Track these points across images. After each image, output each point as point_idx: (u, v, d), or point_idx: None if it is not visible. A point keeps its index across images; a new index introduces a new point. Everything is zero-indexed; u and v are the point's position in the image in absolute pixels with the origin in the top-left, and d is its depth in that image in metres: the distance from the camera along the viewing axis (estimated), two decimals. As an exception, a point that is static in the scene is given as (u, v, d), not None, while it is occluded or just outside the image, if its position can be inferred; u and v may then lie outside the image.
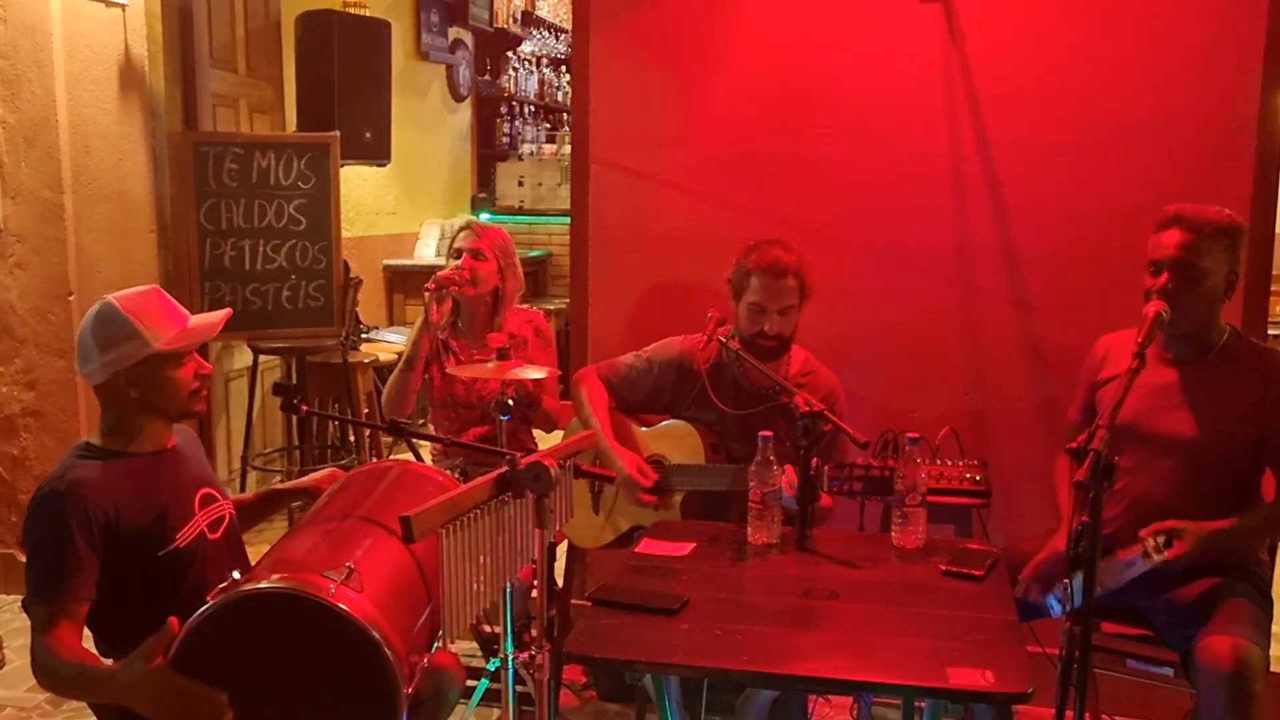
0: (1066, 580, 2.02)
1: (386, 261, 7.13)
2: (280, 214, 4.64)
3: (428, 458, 3.58)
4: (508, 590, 2.39)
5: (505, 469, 2.01)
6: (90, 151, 4.31)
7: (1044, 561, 2.56)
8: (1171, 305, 2.50)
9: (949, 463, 2.71)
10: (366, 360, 5.24)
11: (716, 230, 3.50)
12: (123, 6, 4.37)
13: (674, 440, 3.08)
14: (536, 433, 3.54)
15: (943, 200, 3.38)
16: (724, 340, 2.95)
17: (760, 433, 2.65)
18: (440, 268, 3.46)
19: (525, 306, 3.57)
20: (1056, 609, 2.48)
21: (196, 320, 2.37)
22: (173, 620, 2.04)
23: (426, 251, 7.32)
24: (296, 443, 5.17)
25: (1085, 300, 3.28)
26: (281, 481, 4.76)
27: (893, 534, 2.64)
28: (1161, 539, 2.40)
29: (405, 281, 7.09)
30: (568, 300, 3.90)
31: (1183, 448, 2.57)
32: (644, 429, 3.16)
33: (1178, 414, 2.59)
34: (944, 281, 3.42)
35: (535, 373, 2.92)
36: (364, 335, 5.80)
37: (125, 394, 2.32)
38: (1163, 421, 2.60)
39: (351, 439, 5.29)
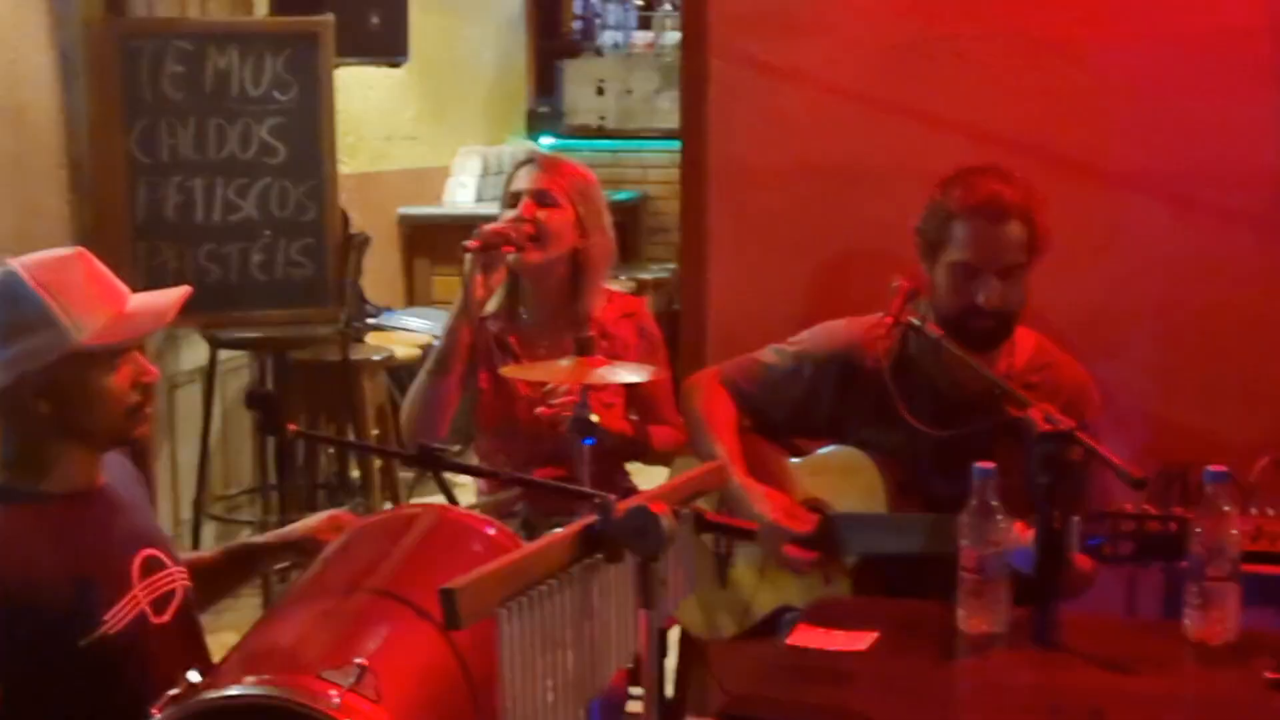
0: None
1: (404, 210, 7.15)
2: (247, 139, 4.67)
3: (465, 498, 3.69)
4: (595, 704, 2.31)
5: (594, 519, 2.01)
6: (-33, 51, 4.37)
7: None
8: None
9: (1272, 513, 2.62)
10: (376, 357, 5.23)
11: (901, 156, 3.53)
12: None
13: (840, 476, 3.10)
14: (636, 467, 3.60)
15: (1261, 103, 3.35)
16: (915, 323, 2.95)
17: (975, 464, 2.62)
18: (487, 219, 3.48)
19: (620, 289, 3.62)
20: None
21: (139, 302, 2.38)
22: None
23: (463, 195, 7.36)
24: (273, 480, 5.17)
25: None
26: (254, 535, 4.87)
27: (1186, 622, 2.59)
28: None
29: (432, 240, 7.14)
30: (672, 266, 4.01)
31: None
32: (794, 460, 3.18)
33: None
34: (1264, 229, 3.37)
35: (633, 375, 2.96)
36: (372, 320, 5.82)
37: (33, 408, 2.33)
38: None
39: (355, 474, 5.32)
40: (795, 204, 3.69)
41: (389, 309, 6.42)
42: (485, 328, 3.48)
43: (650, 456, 3.53)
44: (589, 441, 2.88)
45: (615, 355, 3.40)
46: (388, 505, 5.25)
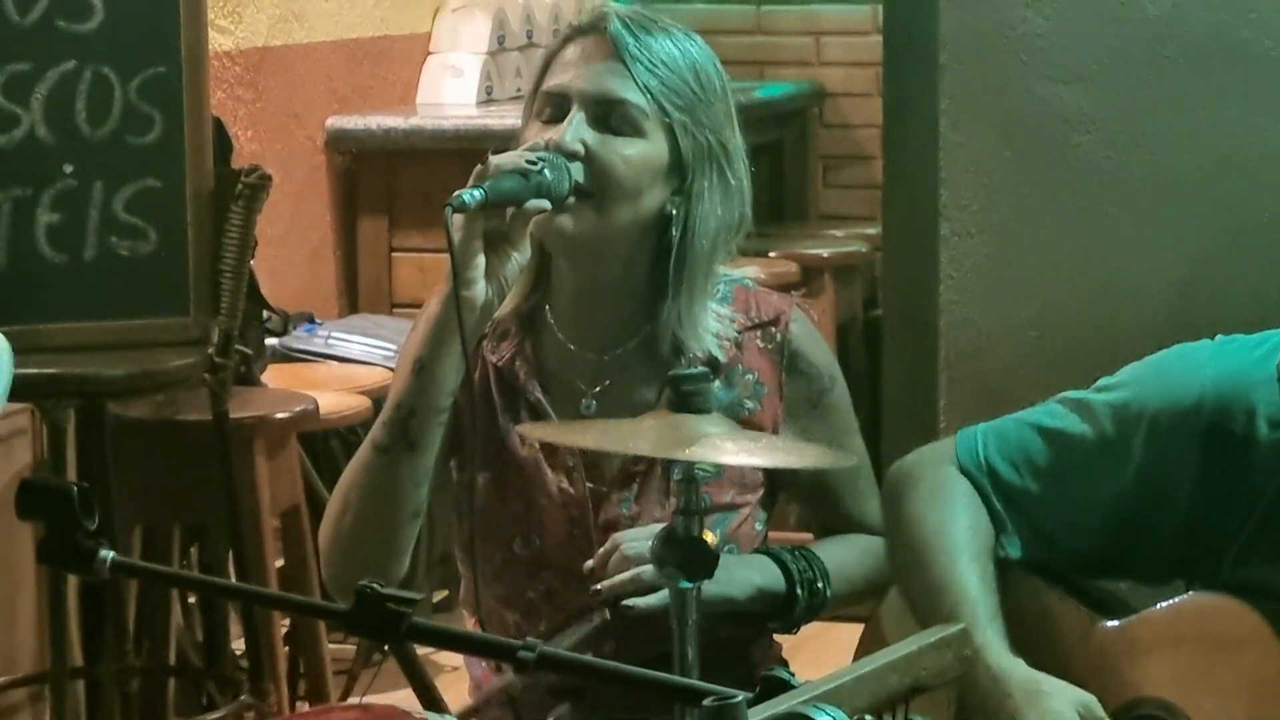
0: None
1: (338, 122, 6.16)
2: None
3: (454, 696, 3.33)
4: None
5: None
6: None
7: None
8: None
9: None
10: (282, 415, 4.35)
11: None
12: None
13: (1203, 654, 2.78)
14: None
15: None
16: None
17: None
18: (499, 141, 2.96)
19: (756, 278, 3.05)
20: None
21: None
22: None
23: (455, 91, 6.50)
24: (77, 661, 4.28)
25: None
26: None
27: None
28: None
29: (395, 180, 6.22)
30: (871, 232, 4.00)
31: None
32: (1108, 624, 2.81)
33: None
34: None
35: (776, 455, 2.66)
36: (275, 341, 5.09)
37: None
38: None
39: (237, 647, 4.44)
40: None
41: (309, 320, 5.46)
42: (484, 358, 2.83)
43: (822, 604, 2.90)
44: (690, 585, 2.35)
45: (750, 422, 2.87)
46: (303, 705, 4.45)
